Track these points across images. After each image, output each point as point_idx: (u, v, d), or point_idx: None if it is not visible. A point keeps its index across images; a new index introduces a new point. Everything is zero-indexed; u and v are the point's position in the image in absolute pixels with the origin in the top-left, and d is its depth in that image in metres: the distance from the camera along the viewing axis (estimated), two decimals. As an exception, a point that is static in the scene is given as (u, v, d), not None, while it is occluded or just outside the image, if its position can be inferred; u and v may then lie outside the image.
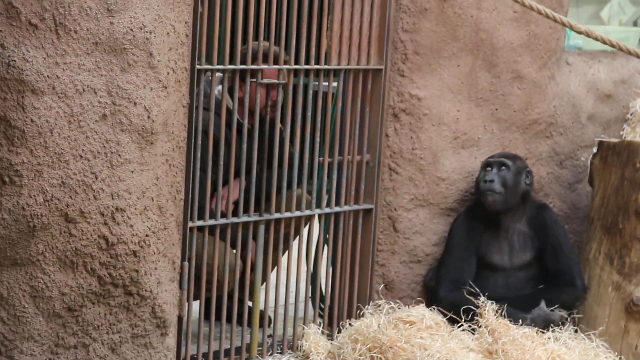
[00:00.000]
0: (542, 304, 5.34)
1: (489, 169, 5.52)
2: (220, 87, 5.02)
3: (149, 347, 4.54)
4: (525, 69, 5.74)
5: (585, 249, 5.72)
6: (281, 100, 5.12)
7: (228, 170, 4.94)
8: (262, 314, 5.23)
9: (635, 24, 7.46)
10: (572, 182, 6.08)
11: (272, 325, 5.32)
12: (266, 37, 5.00)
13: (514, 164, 5.55)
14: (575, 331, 5.40)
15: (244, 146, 4.94)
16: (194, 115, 4.65)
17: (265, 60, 4.96)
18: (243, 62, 4.89)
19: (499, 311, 5.17)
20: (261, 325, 5.20)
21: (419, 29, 5.40)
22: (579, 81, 6.08)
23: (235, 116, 4.91)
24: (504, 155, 5.61)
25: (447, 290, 5.41)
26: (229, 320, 5.08)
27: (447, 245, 5.57)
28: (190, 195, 4.72)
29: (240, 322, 5.15)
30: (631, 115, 6.04)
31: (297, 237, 5.30)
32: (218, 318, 5.17)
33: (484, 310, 5.13)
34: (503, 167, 5.52)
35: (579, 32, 5.13)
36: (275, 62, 5.01)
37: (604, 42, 5.17)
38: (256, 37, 4.92)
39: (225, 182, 5.01)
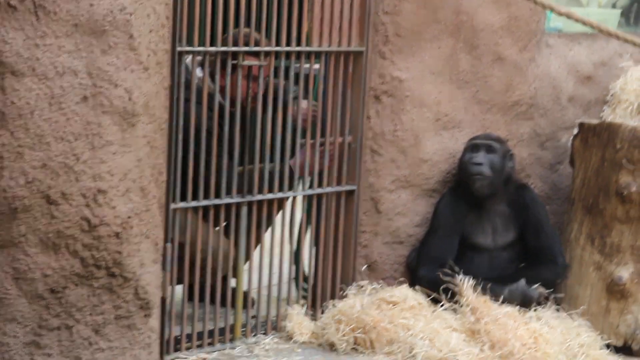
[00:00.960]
0: (522, 281, 5.34)
1: (477, 151, 5.50)
2: (200, 71, 5.00)
3: (132, 329, 4.53)
4: (505, 51, 5.74)
5: (567, 229, 5.72)
6: (263, 87, 5.10)
7: (211, 153, 4.92)
8: (246, 295, 5.23)
9: (614, 5, 7.43)
10: (553, 163, 6.09)
11: (255, 306, 5.32)
12: (247, 19, 4.98)
13: (501, 147, 5.54)
14: (557, 310, 5.40)
15: (226, 128, 4.92)
16: (174, 97, 4.63)
17: (247, 45, 4.94)
18: (224, 45, 4.87)
19: (478, 288, 5.16)
20: (245, 306, 5.19)
21: (400, 11, 5.40)
22: (559, 63, 6.08)
23: (217, 99, 4.89)
24: (491, 137, 5.60)
25: (428, 270, 5.40)
26: (213, 301, 5.07)
27: (431, 224, 5.56)
28: (172, 177, 4.70)
29: (223, 303, 5.13)
30: (611, 96, 6.04)
31: (280, 217, 5.29)
32: (201, 299, 5.16)
33: (463, 287, 5.13)
34: (491, 151, 5.51)
35: (560, 14, 5.13)
36: (256, 45, 4.99)
37: (585, 24, 5.18)
38: (237, 20, 4.90)
39: (208, 165, 4.99)
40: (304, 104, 5.19)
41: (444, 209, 5.57)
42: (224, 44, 4.89)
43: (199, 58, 4.91)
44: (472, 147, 5.52)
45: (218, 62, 4.88)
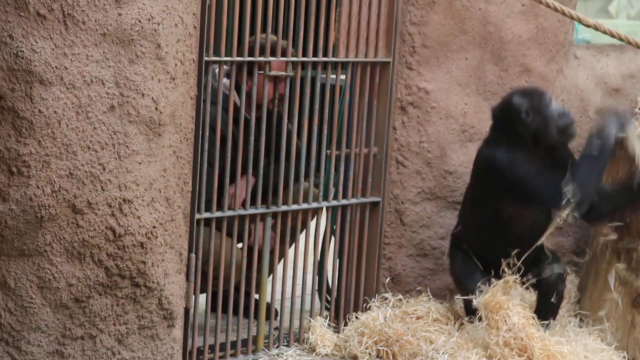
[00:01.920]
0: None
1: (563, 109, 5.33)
2: (227, 80, 5.03)
3: (155, 339, 4.55)
4: (533, 63, 5.74)
5: (593, 243, 5.71)
6: (288, 93, 5.12)
7: (236, 164, 4.95)
8: (269, 306, 5.25)
9: (643, 18, 7.46)
10: (579, 176, 6.08)
11: (278, 317, 5.33)
12: (274, 29, 5.00)
13: None
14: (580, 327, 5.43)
15: (251, 139, 4.95)
16: (201, 107, 4.66)
17: (273, 53, 4.97)
18: (251, 55, 4.90)
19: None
20: (267, 318, 5.22)
21: (427, 22, 5.40)
22: (587, 75, 6.08)
23: (243, 111, 4.91)
24: None
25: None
26: (236, 312, 5.09)
27: (520, 172, 5.21)
28: (197, 187, 4.73)
29: (246, 314, 5.15)
30: (639, 109, 6.03)
31: (304, 230, 5.31)
32: (225, 310, 5.18)
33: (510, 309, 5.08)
34: None
35: (588, 26, 5.13)
36: (283, 55, 5.01)
37: (613, 36, 5.18)
38: (264, 30, 4.93)
39: (234, 175, 5.01)
40: None
41: (519, 157, 5.21)
42: (251, 52, 4.91)
43: (225, 67, 4.93)
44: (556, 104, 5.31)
45: (245, 71, 4.91)
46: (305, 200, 5.23)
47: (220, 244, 4.94)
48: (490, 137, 5.28)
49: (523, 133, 5.13)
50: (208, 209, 4.86)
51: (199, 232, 4.79)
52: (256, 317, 5.17)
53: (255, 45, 4.89)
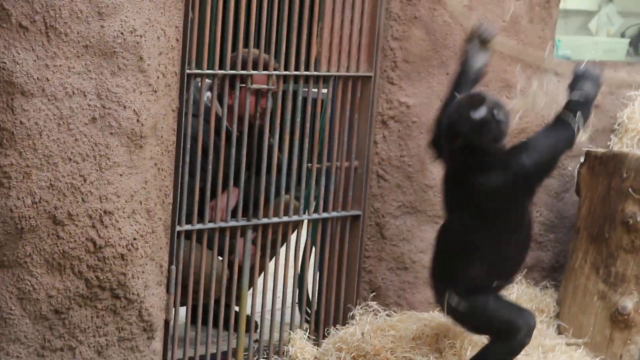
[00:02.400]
0: None
1: None
2: (209, 93, 5.02)
3: (135, 351, 4.54)
4: (513, 78, 5.75)
5: (572, 257, 5.73)
6: (270, 107, 5.12)
7: (217, 177, 4.94)
8: (249, 319, 5.24)
9: (623, 35, 7.48)
10: (559, 191, 6.09)
11: (258, 330, 5.33)
12: (256, 43, 5.01)
13: None
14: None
15: (233, 151, 4.94)
16: (183, 119, 4.65)
17: (255, 67, 4.97)
18: (233, 68, 4.90)
19: None
20: (247, 330, 5.20)
21: (409, 37, 5.41)
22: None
23: (224, 123, 4.91)
24: None
25: None
26: (216, 325, 5.08)
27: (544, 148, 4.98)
28: (178, 200, 4.72)
29: (227, 327, 5.14)
30: (618, 125, 6.06)
31: (285, 243, 5.30)
32: (205, 323, 5.16)
33: None
34: None
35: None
36: (265, 69, 5.01)
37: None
38: (246, 43, 4.93)
39: (214, 189, 5.00)
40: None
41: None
42: (233, 65, 4.91)
43: (208, 81, 4.93)
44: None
45: (227, 84, 4.91)
46: (286, 213, 5.22)
47: (201, 257, 4.93)
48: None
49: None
50: (189, 221, 4.85)
51: (179, 245, 4.78)
52: (236, 329, 5.16)
53: (237, 59, 4.89)
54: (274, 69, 5.03)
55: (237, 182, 5.01)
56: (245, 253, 5.09)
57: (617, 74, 5.98)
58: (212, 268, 4.97)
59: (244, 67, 4.92)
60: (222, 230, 5.00)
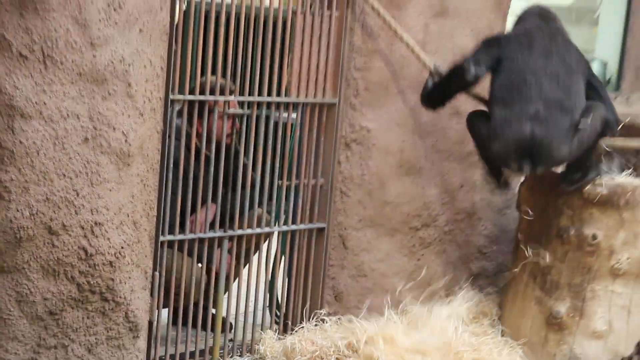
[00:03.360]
0: None
1: None
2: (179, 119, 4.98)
3: (122, 349, 4.51)
4: (462, 106, 5.76)
5: (512, 267, 5.74)
6: (238, 128, 5.12)
7: (197, 193, 4.92)
8: (224, 320, 5.21)
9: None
10: (501, 207, 6.11)
11: (232, 330, 5.30)
12: (232, 72, 5.00)
13: None
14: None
15: (211, 169, 4.93)
16: (166, 140, 4.63)
17: (222, 92, 4.95)
18: (202, 92, 4.87)
19: None
20: (223, 331, 5.17)
21: (370, 68, 5.42)
22: (510, 118, 6.11)
23: (194, 143, 4.87)
24: None
25: None
26: (195, 325, 5.05)
27: None
28: (162, 212, 4.69)
29: (204, 327, 5.11)
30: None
31: (257, 252, 5.29)
32: (184, 323, 5.14)
33: None
34: None
35: None
36: (231, 93, 4.99)
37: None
38: (224, 72, 4.92)
39: (194, 204, 4.98)
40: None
41: None
42: (212, 92, 4.89)
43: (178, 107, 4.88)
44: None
45: (206, 108, 4.89)
46: (259, 226, 5.21)
47: (182, 264, 4.90)
48: None
49: None
50: (171, 232, 4.83)
51: (162, 253, 4.75)
52: (213, 329, 5.13)
53: (206, 85, 4.87)
54: (247, 95, 5.02)
55: (215, 197, 5.00)
56: (222, 262, 5.06)
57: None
58: (192, 274, 4.94)
59: (213, 92, 4.89)
60: (201, 240, 4.97)
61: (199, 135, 5.01)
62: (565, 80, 5.18)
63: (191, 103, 4.82)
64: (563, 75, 5.18)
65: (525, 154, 5.09)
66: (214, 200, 5.00)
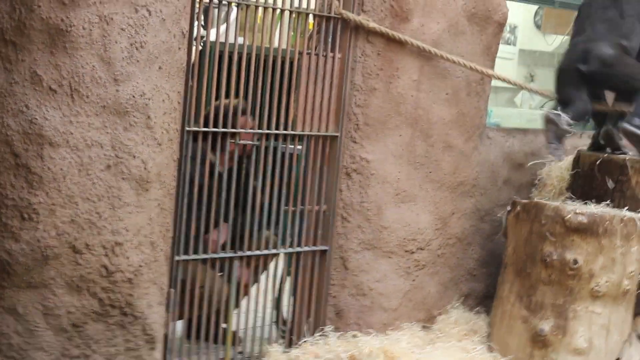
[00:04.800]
0: None
1: None
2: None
3: (139, 359, 4.47)
4: (454, 141, 5.76)
5: (500, 288, 5.70)
6: (254, 157, 5.12)
7: (210, 215, 4.91)
8: (234, 334, 5.17)
9: (542, 108, 7.55)
10: (490, 233, 6.08)
11: (242, 343, 5.26)
12: (244, 106, 5.00)
13: None
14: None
15: (223, 194, 4.91)
16: (182, 168, 4.62)
17: (236, 114, 4.93)
18: (224, 126, 4.87)
19: None
20: (233, 344, 5.14)
21: (369, 105, 5.41)
22: (497, 152, 6.10)
23: (217, 169, 4.88)
24: None
25: None
26: (207, 338, 5.02)
27: None
28: (177, 234, 4.67)
29: (216, 340, 5.08)
30: (538, 180, 6.06)
31: (265, 271, 5.26)
32: (198, 337, 5.10)
33: None
34: None
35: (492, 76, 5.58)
36: (244, 113, 4.99)
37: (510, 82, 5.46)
38: (236, 107, 4.92)
39: (208, 225, 4.96)
40: None
41: None
42: (224, 124, 4.89)
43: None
44: None
45: (219, 139, 4.89)
46: (267, 247, 5.18)
47: (203, 277, 4.88)
48: None
49: None
50: (185, 252, 4.80)
51: (177, 270, 4.73)
52: (224, 342, 5.10)
53: (220, 111, 4.86)
54: (257, 128, 5.01)
55: (227, 219, 4.98)
56: (232, 279, 5.04)
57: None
58: (212, 286, 4.90)
59: (233, 121, 4.88)
60: (213, 260, 4.95)
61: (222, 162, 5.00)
62: None
63: (205, 134, 4.82)
64: None
65: None
66: (226, 220, 4.98)
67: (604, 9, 5.85)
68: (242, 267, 5.08)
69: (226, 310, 5.09)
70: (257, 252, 5.13)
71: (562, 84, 5.88)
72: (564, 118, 5.68)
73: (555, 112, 5.72)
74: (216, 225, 4.97)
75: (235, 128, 4.92)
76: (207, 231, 4.94)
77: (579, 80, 5.79)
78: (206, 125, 4.80)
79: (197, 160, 4.79)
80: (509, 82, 5.82)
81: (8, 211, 4.05)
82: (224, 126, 4.88)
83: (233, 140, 4.92)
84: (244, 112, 4.98)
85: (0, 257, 4.08)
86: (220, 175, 4.93)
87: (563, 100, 5.84)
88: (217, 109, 4.91)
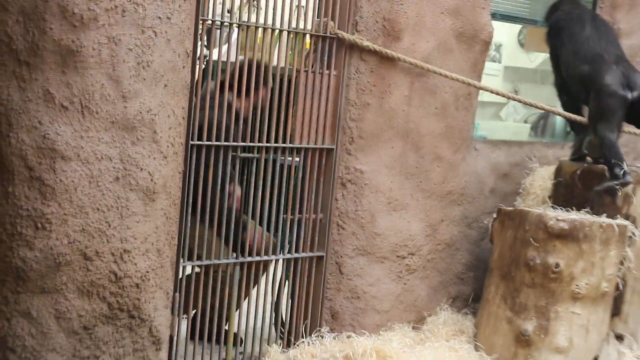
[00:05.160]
0: None
1: None
2: None
3: (146, 359, 4.48)
4: (443, 152, 5.78)
5: (486, 291, 5.72)
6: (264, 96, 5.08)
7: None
8: (236, 335, 5.18)
9: (525, 121, 7.56)
10: (477, 239, 6.09)
11: (242, 344, 5.27)
12: (243, 123, 5.01)
13: None
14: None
15: (225, 205, 4.92)
16: (186, 179, 4.64)
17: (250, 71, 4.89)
18: (226, 140, 4.87)
19: None
20: (234, 344, 5.14)
21: (363, 119, 5.43)
22: (484, 163, 6.12)
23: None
24: None
25: None
26: (210, 339, 5.03)
27: None
28: (182, 241, 4.69)
29: (218, 341, 5.09)
30: (522, 190, 6.08)
31: (265, 276, 5.27)
32: (201, 337, 5.12)
33: None
34: None
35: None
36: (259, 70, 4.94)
37: (503, 95, 5.39)
38: (237, 120, 4.93)
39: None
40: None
41: None
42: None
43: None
44: None
45: (221, 151, 4.90)
46: (267, 253, 5.20)
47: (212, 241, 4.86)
48: None
49: None
50: (190, 258, 4.82)
51: (182, 276, 4.73)
52: (225, 343, 5.11)
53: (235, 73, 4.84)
54: (258, 141, 5.02)
55: (228, 228, 4.99)
56: (233, 283, 5.05)
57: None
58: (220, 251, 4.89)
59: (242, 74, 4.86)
60: (216, 265, 4.96)
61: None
62: None
63: (208, 147, 4.84)
64: None
65: None
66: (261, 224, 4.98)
67: (597, 25, 5.61)
68: (255, 231, 5.07)
69: (228, 313, 5.10)
70: (257, 258, 5.14)
71: (615, 111, 5.42)
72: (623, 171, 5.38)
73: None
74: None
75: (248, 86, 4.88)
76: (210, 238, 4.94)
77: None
78: (209, 139, 4.81)
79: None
80: (494, 92, 5.80)
81: (23, 221, 4.06)
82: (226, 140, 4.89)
83: (235, 154, 4.92)
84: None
85: (15, 264, 4.09)
86: (245, 120, 4.91)
87: (614, 130, 5.43)
88: (232, 72, 4.89)
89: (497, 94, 5.76)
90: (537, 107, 5.95)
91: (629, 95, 5.50)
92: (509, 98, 5.72)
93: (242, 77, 4.89)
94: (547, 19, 5.94)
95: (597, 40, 5.55)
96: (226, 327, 5.21)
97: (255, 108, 5.01)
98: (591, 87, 5.52)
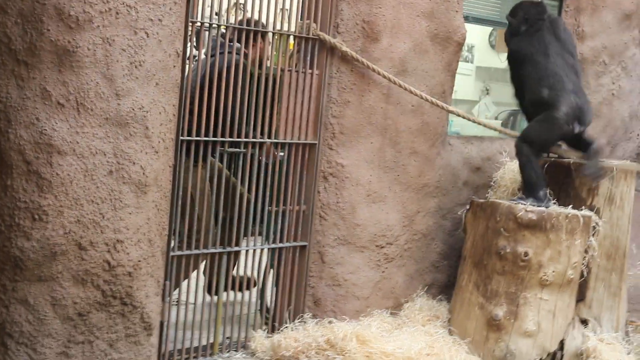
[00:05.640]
0: None
1: None
2: None
3: (138, 344, 4.46)
4: (419, 147, 5.77)
5: (460, 278, 5.72)
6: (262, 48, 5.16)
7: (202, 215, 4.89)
8: (223, 320, 5.16)
9: (496, 118, 7.57)
10: (451, 229, 6.10)
11: (230, 328, 5.25)
12: (231, 118, 4.98)
13: None
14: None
15: (213, 198, 4.89)
16: (177, 173, 4.61)
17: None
18: (215, 135, 4.85)
19: None
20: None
21: (344, 115, 5.42)
22: (458, 157, 6.12)
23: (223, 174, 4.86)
24: None
25: None
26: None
27: None
28: (172, 232, 4.66)
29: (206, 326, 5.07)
30: (494, 182, 6.08)
31: (252, 264, 5.26)
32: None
33: None
34: None
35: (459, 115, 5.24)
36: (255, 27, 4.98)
37: (475, 122, 5.32)
38: (224, 118, 4.91)
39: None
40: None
41: None
42: (217, 136, 4.88)
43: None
44: None
45: (209, 147, 4.88)
46: (253, 244, 5.18)
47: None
48: None
49: None
50: (180, 248, 4.79)
51: (172, 265, 4.71)
52: (214, 327, 5.09)
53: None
54: (245, 137, 5.00)
55: (216, 219, 4.97)
56: (220, 272, 5.02)
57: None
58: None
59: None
60: (204, 255, 4.94)
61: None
62: None
63: (197, 142, 4.81)
64: None
65: None
66: (216, 221, 4.95)
67: (559, 46, 5.52)
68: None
69: (217, 300, 5.08)
70: (245, 248, 5.12)
71: (553, 142, 5.43)
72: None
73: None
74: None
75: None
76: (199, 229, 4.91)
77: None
78: (199, 134, 4.78)
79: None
80: (466, 118, 5.85)
81: (20, 213, 4.03)
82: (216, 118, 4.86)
83: (222, 149, 4.89)
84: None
85: (13, 253, 4.06)
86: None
87: (540, 156, 5.39)
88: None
89: (458, 115, 5.79)
90: (476, 122, 5.98)
91: (576, 129, 5.46)
92: (458, 115, 5.76)
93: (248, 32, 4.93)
94: (509, 35, 5.76)
95: (560, 65, 5.45)
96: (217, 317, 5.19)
97: (260, 59, 5.08)
98: (545, 109, 5.47)
